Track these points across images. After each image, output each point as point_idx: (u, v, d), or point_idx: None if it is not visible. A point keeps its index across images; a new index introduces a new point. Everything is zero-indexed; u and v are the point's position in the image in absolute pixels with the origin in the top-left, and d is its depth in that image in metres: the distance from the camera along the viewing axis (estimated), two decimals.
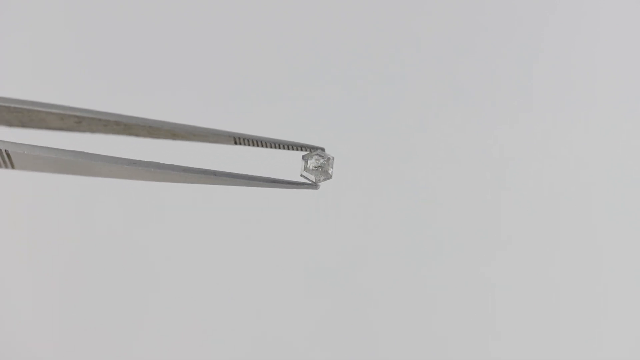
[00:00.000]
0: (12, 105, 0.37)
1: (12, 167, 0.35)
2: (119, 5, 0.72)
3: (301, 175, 0.37)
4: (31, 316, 0.71)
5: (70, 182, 0.67)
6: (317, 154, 0.37)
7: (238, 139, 0.37)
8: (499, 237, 0.71)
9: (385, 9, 0.73)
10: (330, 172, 0.36)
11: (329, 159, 0.37)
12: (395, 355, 0.71)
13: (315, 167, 0.36)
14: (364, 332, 0.71)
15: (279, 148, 0.37)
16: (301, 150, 0.37)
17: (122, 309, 0.71)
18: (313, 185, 0.36)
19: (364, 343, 0.71)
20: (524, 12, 0.73)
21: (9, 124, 0.37)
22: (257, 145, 0.37)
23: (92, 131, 0.38)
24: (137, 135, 0.38)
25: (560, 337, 0.70)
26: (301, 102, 0.71)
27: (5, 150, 0.35)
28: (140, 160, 0.35)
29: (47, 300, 0.71)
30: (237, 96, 0.71)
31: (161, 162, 0.36)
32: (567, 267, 0.71)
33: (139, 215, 0.72)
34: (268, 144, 0.37)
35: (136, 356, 0.70)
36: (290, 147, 0.37)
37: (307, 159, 0.37)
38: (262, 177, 0.36)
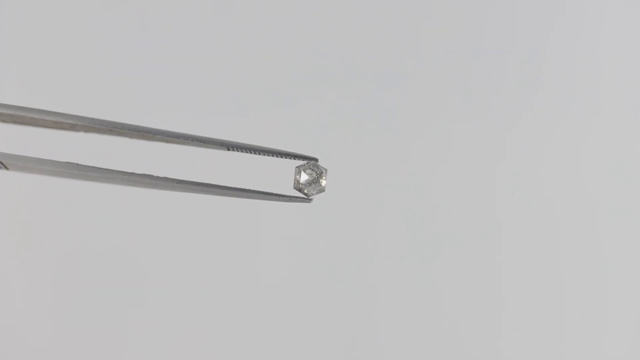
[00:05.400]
0: (7, 112, 0.36)
1: (6, 168, 0.35)
2: (113, 10, 0.71)
3: (294, 188, 0.37)
4: (28, 316, 0.71)
5: (66, 184, 0.68)
6: (310, 168, 0.37)
7: (231, 148, 0.37)
8: (501, 239, 0.71)
9: (386, 10, 0.72)
10: (323, 184, 0.37)
11: (322, 172, 0.37)
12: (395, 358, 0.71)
13: (308, 181, 0.37)
14: (362, 337, 0.72)
15: (272, 156, 0.37)
16: (294, 159, 0.37)
17: (118, 311, 0.71)
18: (306, 200, 0.37)
19: (364, 346, 0.72)
20: (528, 13, 0.72)
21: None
22: (250, 152, 0.36)
23: (86, 131, 0.37)
24: (130, 137, 0.37)
25: (564, 335, 0.71)
26: (300, 104, 0.71)
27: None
28: (134, 173, 0.36)
29: (44, 300, 0.71)
30: (231, 102, 0.70)
31: (155, 174, 0.36)
32: (571, 267, 0.71)
33: (134, 219, 0.71)
34: (261, 152, 0.37)
35: (132, 356, 0.71)
36: (283, 155, 0.37)
37: (300, 172, 0.37)
38: (254, 190, 0.37)
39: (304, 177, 0.37)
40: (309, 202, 0.37)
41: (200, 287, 0.71)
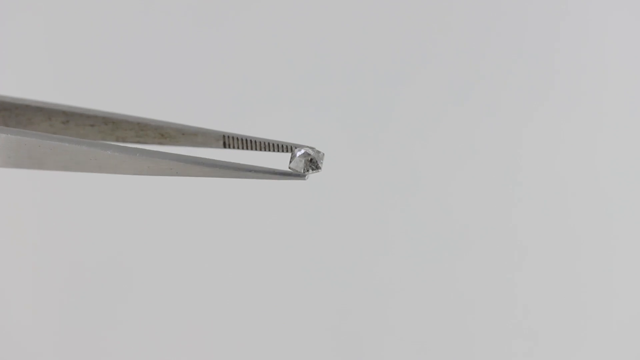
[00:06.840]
0: None
1: None
2: (114, 7, 0.71)
3: (289, 167, 0.36)
4: (27, 317, 0.72)
5: (64, 184, 0.68)
6: (307, 147, 0.37)
7: (227, 138, 0.37)
8: (510, 236, 0.71)
9: (389, 8, 0.72)
10: (320, 164, 0.36)
11: (319, 152, 0.36)
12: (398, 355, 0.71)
13: (303, 156, 0.36)
14: (365, 331, 0.72)
15: (270, 150, 0.37)
16: (290, 150, 0.37)
17: (116, 310, 0.71)
18: (301, 176, 0.36)
19: (366, 341, 0.72)
20: (533, 11, 0.72)
21: None
22: (247, 147, 0.36)
23: (79, 135, 0.37)
24: (124, 139, 0.37)
25: (577, 336, 0.71)
26: (300, 104, 0.71)
27: None
28: (117, 145, 0.34)
29: (44, 301, 0.72)
30: (229, 98, 0.70)
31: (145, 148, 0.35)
32: (581, 266, 0.71)
33: (131, 214, 0.71)
34: (258, 144, 0.37)
35: (132, 353, 0.71)
36: (281, 147, 0.37)
37: (297, 153, 0.36)
38: (247, 166, 0.35)
39: (299, 153, 0.36)
40: (304, 179, 0.37)
41: (198, 287, 0.71)
